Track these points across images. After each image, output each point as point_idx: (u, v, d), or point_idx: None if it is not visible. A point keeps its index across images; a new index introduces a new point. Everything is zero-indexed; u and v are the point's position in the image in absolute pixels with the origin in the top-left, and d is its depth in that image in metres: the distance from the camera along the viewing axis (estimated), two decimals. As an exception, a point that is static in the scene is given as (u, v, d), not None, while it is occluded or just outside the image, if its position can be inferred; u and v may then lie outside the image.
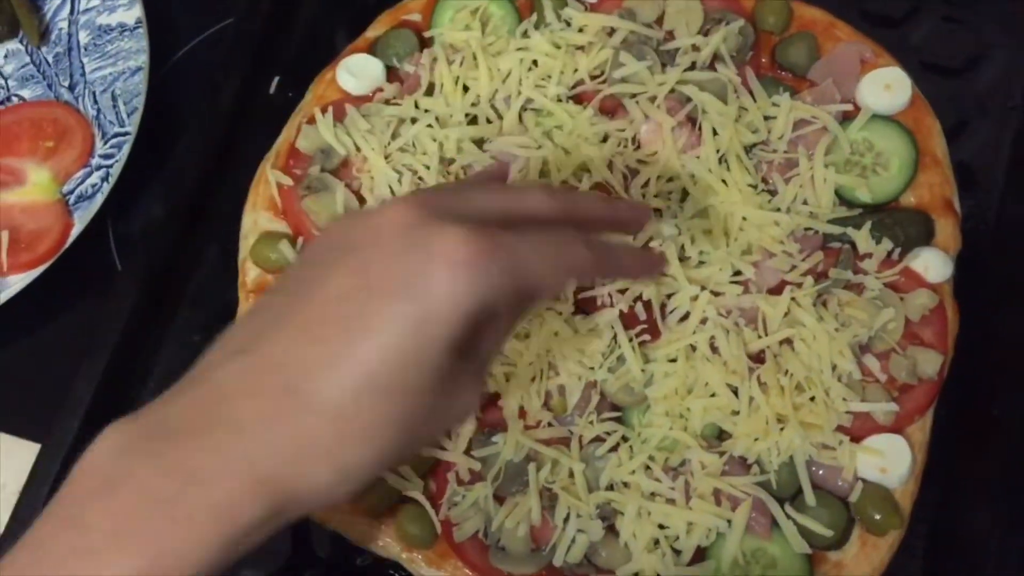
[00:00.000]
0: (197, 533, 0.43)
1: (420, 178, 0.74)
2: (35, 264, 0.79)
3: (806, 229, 0.72)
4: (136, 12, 0.88)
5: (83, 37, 0.90)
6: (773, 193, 0.73)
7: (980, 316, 0.72)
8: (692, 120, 0.74)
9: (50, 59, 0.90)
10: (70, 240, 0.80)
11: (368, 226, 0.46)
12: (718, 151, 0.73)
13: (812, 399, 0.67)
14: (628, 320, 0.69)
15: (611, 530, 0.65)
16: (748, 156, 0.74)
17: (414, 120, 0.76)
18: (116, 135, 0.84)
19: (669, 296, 0.70)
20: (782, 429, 0.66)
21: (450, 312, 0.43)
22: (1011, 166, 0.80)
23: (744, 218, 0.71)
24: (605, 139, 0.75)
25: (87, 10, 0.90)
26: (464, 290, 0.43)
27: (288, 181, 0.76)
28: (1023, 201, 0.78)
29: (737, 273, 0.70)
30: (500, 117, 0.76)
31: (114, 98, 0.86)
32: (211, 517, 0.43)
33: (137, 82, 0.85)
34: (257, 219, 0.76)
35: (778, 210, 0.72)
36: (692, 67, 0.76)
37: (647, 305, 0.69)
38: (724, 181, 0.72)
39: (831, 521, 0.64)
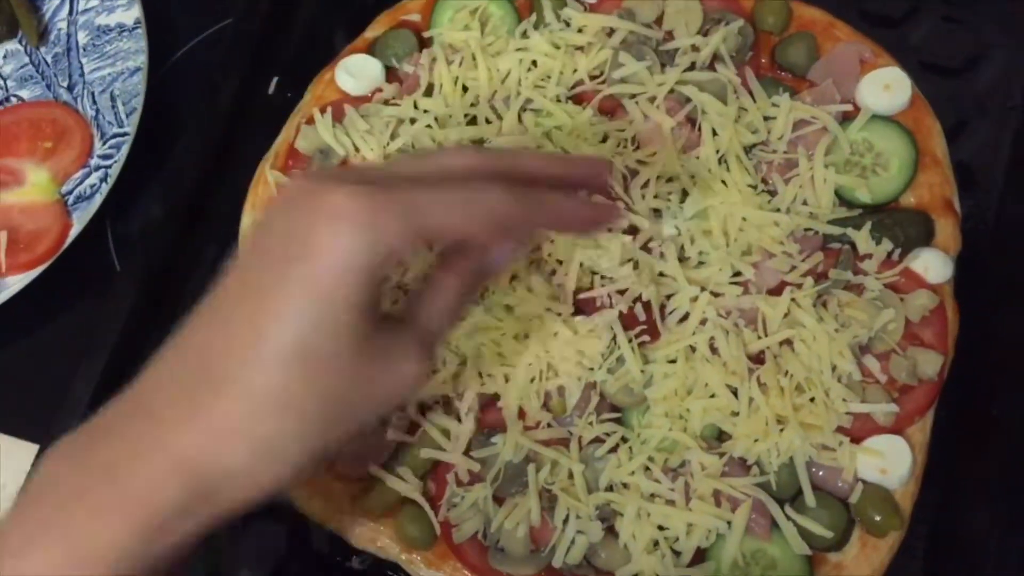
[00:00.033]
0: (112, 521, 0.43)
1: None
2: (34, 264, 0.79)
3: (806, 230, 0.71)
4: (135, 12, 0.88)
5: (82, 37, 0.90)
6: (773, 193, 0.73)
7: (979, 316, 0.72)
8: (692, 120, 0.74)
9: (49, 59, 0.90)
10: (69, 240, 0.80)
11: (270, 208, 0.46)
12: (718, 151, 0.73)
13: (812, 400, 0.67)
14: (627, 321, 0.68)
15: (611, 531, 0.65)
16: (748, 156, 0.74)
17: (413, 120, 0.76)
18: (115, 135, 0.84)
19: (668, 297, 0.70)
20: (782, 430, 0.66)
21: (343, 268, 0.43)
22: (1011, 166, 0.80)
23: (744, 218, 0.71)
24: (604, 139, 0.75)
25: (86, 10, 0.90)
26: (351, 243, 0.42)
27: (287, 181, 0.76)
28: (1023, 201, 0.78)
29: (737, 274, 0.70)
30: (499, 117, 0.76)
31: (113, 98, 0.86)
32: (126, 504, 0.43)
33: (136, 82, 0.85)
34: (256, 219, 0.76)
35: (778, 211, 0.72)
36: (691, 67, 0.76)
37: (647, 306, 0.69)
38: (724, 181, 0.72)
39: (831, 522, 0.64)
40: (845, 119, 0.75)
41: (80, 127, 0.86)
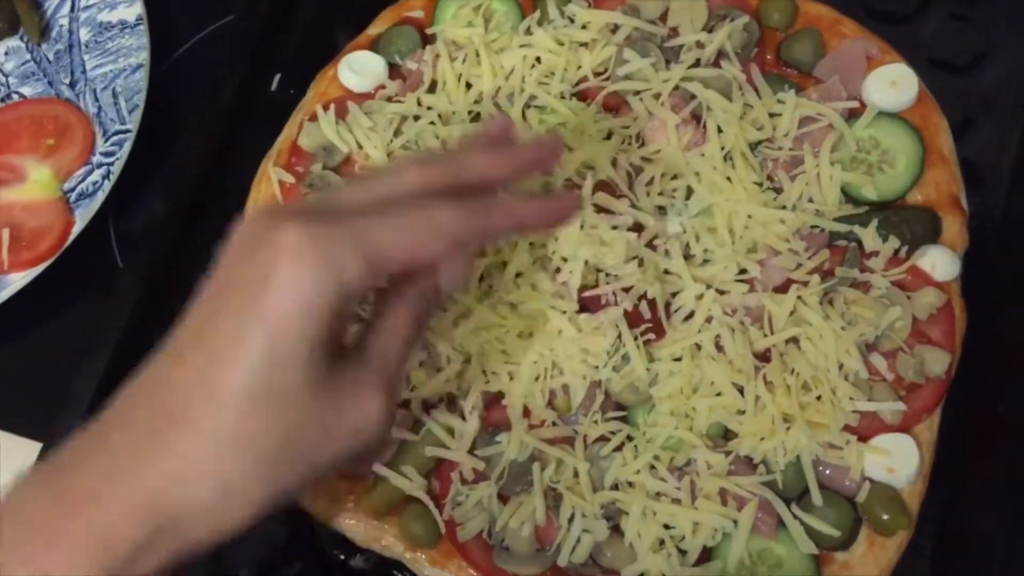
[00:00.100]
0: (74, 555, 0.42)
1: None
2: (36, 262, 0.79)
3: (812, 227, 0.71)
4: (137, 9, 0.88)
5: (84, 34, 0.90)
6: (778, 191, 0.73)
7: (987, 314, 0.71)
8: (697, 117, 0.74)
9: (51, 56, 0.90)
10: (71, 238, 0.80)
11: (227, 245, 0.46)
12: (723, 148, 0.72)
13: (819, 398, 0.66)
14: (633, 319, 0.68)
15: (616, 530, 0.65)
16: (753, 153, 0.73)
17: (416, 117, 0.75)
18: (117, 132, 0.84)
19: (674, 295, 0.69)
20: (788, 428, 0.65)
21: (295, 306, 0.43)
22: (1017, 164, 0.80)
23: (749, 216, 0.71)
24: (609, 136, 0.74)
25: (88, 7, 0.90)
26: (302, 280, 0.42)
27: (290, 179, 0.75)
28: (1030, 199, 0.78)
29: (742, 271, 0.70)
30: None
31: (115, 95, 0.85)
32: (88, 540, 0.43)
33: (138, 79, 0.85)
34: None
35: (784, 208, 0.71)
36: (696, 64, 0.76)
37: (652, 304, 0.68)
38: (729, 179, 0.72)
39: (838, 521, 0.64)
40: (851, 116, 0.74)
41: (82, 124, 0.85)
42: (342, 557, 0.70)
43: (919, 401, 0.67)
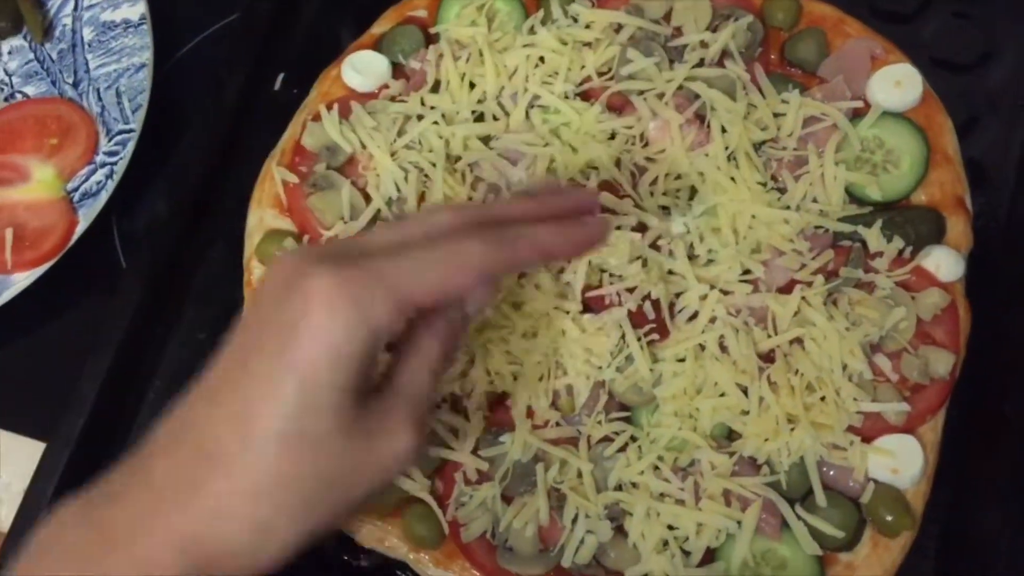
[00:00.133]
0: None
1: (426, 175, 0.74)
2: (40, 262, 0.79)
3: (816, 227, 0.71)
4: (140, 8, 0.88)
5: (87, 33, 0.89)
6: (783, 191, 0.72)
7: (991, 315, 0.71)
8: (700, 117, 0.74)
9: (54, 55, 0.90)
10: (75, 237, 0.80)
11: (260, 286, 0.47)
12: (727, 148, 0.72)
13: (823, 399, 0.66)
14: (636, 319, 0.68)
15: (620, 531, 0.65)
16: (757, 153, 0.73)
17: (420, 117, 0.75)
18: (120, 132, 0.84)
19: (678, 295, 0.69)
20: (792, 429, 0.65)
21: (328, 352, 0.43)
22: (1022, 163, 0.80)
23: (753, 216, 0.71)
24: (613, 136, 0.74)
25: (91, 6, 0.90)
26: (335, 326, 0.43)
27: (293, 179, 0.75)
28: (1034, 199, 0.78)
29: (746, 272, 0.70)
30: (507, 114, 0.76)
31: (118, 95, 0.85)
32: (128, 574, 0.43)
33: (141, 79, 0.85)
34: (262, 217, 0.76)
35: (788, 208, 0.71)
36: (700, 64, 0.75)
37: (655, 304, 0.68)
38: (733, 179, 0.72)
39: (842, 522, 0.64)
40: (855, 116, 0.74)
41: (85, 124, 0.85)
42: (345, 557, 0.70)
43: (923, 402, 0.67)
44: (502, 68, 0.76)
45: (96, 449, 0.71)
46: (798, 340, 0.68)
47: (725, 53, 0.76)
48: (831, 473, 0.66)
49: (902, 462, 0.65)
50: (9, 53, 0.91)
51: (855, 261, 0.70)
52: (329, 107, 0.76)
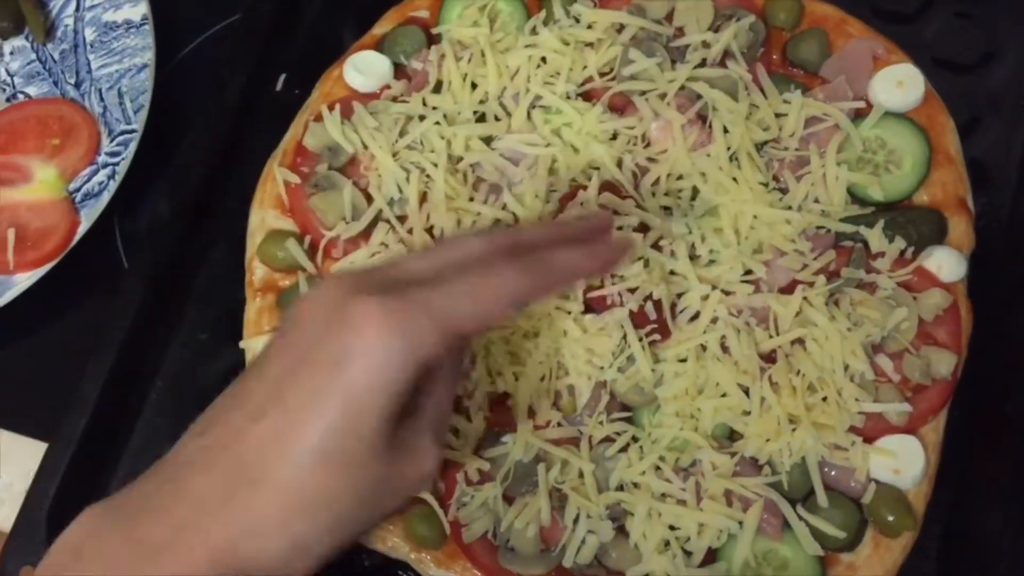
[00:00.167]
0: None
1: (428, 176, 0.74)
2: (42, 262, 0.79)
3: (818, 228, 0.71)
4: (142, 8, 0.88)
5: (89, 34, 0.89)
6: (784, 191, 0.72)
7: (993, 315, 0.71)
8: (702, 117, 0.74)
9: (56, 56, 0.90)
10: (77, 238, 0.80)
11: (301, 308, 0.48)
12: (729, 149, 0.72)
13: (824, 399, 0.66)
14: (638, 319, 0.68)
15: (621, 531, 0.65)
16: (759, 154, 0.73)
17: (422, 117, 0.75)
18: (122, 132, 0.84)
19: (679, 295, 0.69)
20: (794, 430, 0.65)
21: (378, 379, 0.45)
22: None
23: (755, 216, 0.71)
24: (614, 137, 0.74)
25: (93, 7, 0.90)
26: (384, 356, 0.44)
27: (295, 179, 0.75)
28: (1036, 199, 0.78)
29: (748, 272, 0.70)
30: (508, 114, 0.76)
31: (120, 95, 0.85)
32: None
33: (143, 79, 0.85)
34: (264, 217, 0.76)
35: (789, 208, 0.71)
36: (702, 64, 0.76)
37: (657, 304, 0.68)
38: (735, 179, 0.72)
39: (843, 522, 0.64)
40: (857, 116, 0.74)
41: (87, 124, 0.85)
42: (347, 557, 0.70)
43: (925, 402, 0.67)
44: (504, 68, 0.76)
45: (98, 449, 0.71)
46: (800, 340, 0.68)
47: (727, 53, 0.76)
48: (832, 473, 0.66)
49: (904, 462, 0.65)
50: (11, 53, 0.91)
51: (857, 261, 0.70)
52: (331, 107, 0.76)
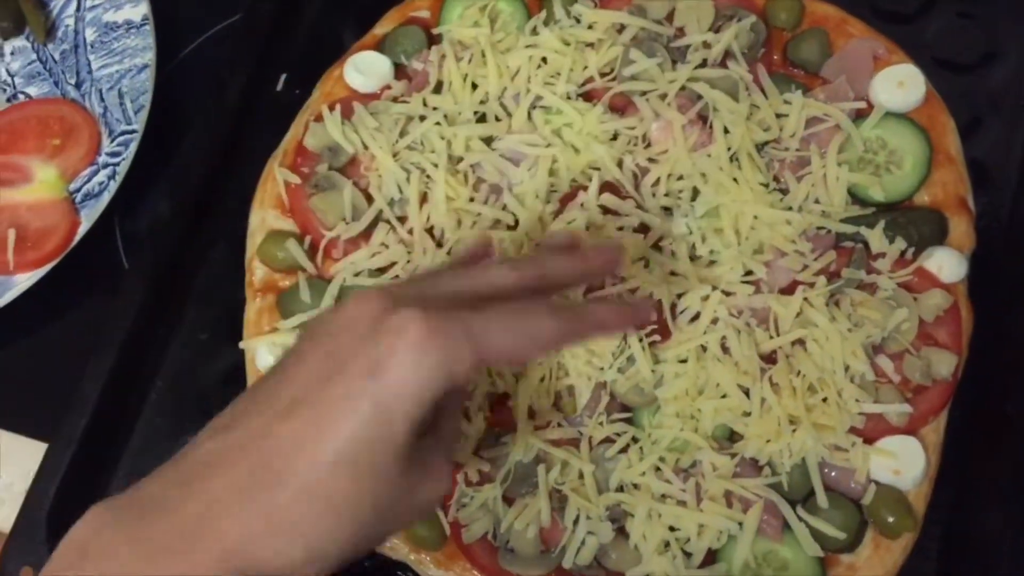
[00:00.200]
0: None
1: (428, 176, 0.74)
2: (42, 262, 0.79)
3: (818, 228, 0.71)
4: (142, 9, 0.88)
5: (89, 34, 0.89)
6: (785, 192, 0.72)
7: (993, 316, 0.71)
8: (703, 118, 0.74)
9: (56, 56, 0.90)
10: (77, 238, 0.80)
11: (338, 316, 0.48)
12: (729, 149, 0.72)
13: (825, 400, 0.66)
14: (638, 320, 0.68)
15: (621, 532, 0.65)
16: (760, 154, 0.73)
17: (422, 118, 0.75)
18: (123, 133, 0.84)
19: (680, 296, 0.69)
20: (794, 431, 0.65)
21: (411, 392, 0.45)
22: (1024, 164, 0.80)
23: (756, 217, 0.71)
24: (615, 137, 0.74)
25: (93, 7, 0.90)
26: (421, 371, 0.45)
27: (296, 179, 0.75)
28: (1037, 199, 0.78)
29: (748, 273, 0.70)
30: (509, 115, 0.76)
31: (121, 95, 0.85)
32: None
33: (144, 79, 0.85)
34: (264, 217, 0.76)
35: (790, 209, 0.71)
36: (703, 64, 0.75)
37: (658, 305, 0.68)
38: (735, 179, 0.72)
39: (844, 523, 0.64)
40: (858, 116, 0.74)
41: (88, 124, 0.85)
42: (347, 558, 0.70)
43: (925, 403, 0.67)
44: (504, 69, 0.76)
45: (98, 449, 0.71)
46: (800, 341, 0.68)
47: (728, 54, 0.76)
48: (833, 474, 0.66)
49: (904, 463, 0.65)
50: (12, 54, 0.91)
51: (857, 262, 0.70)
52: (331, 108, 0.76)
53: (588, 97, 0.76)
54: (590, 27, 0.77)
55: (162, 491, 0.46)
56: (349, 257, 0.72)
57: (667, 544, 0.64)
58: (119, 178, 0.81)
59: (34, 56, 0.90)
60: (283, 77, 0.84)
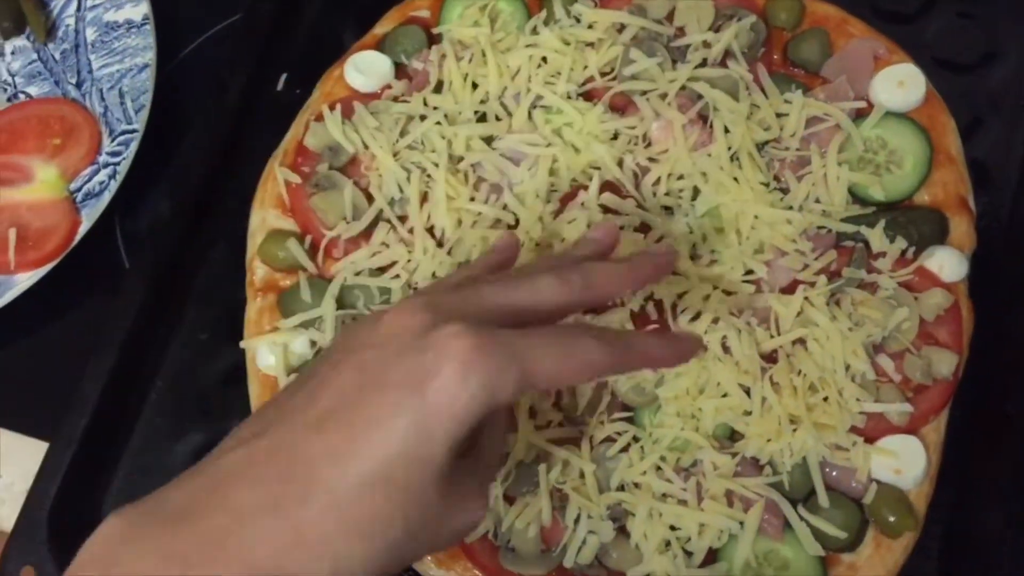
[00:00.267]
0: None
1: (429, 176, 0.74)
2: (43, 262, 0.79)
3: (819, 228, 0.71)
4: (143, 8, 0.88)
5: (90, 34, 0.89)
6: (785, 191, 0.72)
7: (994, 315, 0.71)
8: (703, 117, 0.74)
9: (57, 56, 0.90)
10: (78, 238, 0.79)
11: (377, 327, 0.46)
12: (730, 149, 0.72)
13: (825, 399, 0.66)
14: (639, 319, 0.68)
15: (622, 531, 0.65)
16: (760, 154, 0.73)
17: (423, 117, 0.75)
18: (123, 132, 0.84)
19: (680, 295, 0.69)
20: (795, 430, 0.65)
21: (453, 410, 0.43)
22: (1025, 164, 0.80)
23: (756, 216, 0.71)
24: (615, 137, 0.74)
25: (94, 6, 0.90)
26: (464, 391, 0.43)
27: (296, 179, 0.75)
28: (1037, 199, 0.78)
29: (749, 272, 0.70)
30: (509, 114, 0.76)
31: (121, 95, 0.85)
32: None
33: (144, 79, 0.85)
34: (265, 217, 0.76)
35: (790, 208, 0.71)
36: (703, 64, 0.75)
37: (658, 304, 0.68)
38: (736, 179, 0.72)
39: (844, 523, 0.64)
40: (859, 116, 0.74)
41: (88, 124, 0.85)
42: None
43: (926, 402, 0.67)
44: (505, 68, 0.76)
45: (98, 449, 0.71)
46: (801, 340, 0.68)
47: (728, 53, 0.76)
48: (834, 474, 0.66)
49: (905, 463, 0.65)
50: (12, 53, 0.91)
51: (858, 261, 0.70)
52: (332, 107, 0.76)
53: (588, 97, 0.76)
54: (590, 27, 0.77)
55: (188, 498, 0.45)
56: (350, 256, 0.72)
57: (668, 543, 0.64)
58: (119, 178, 0.81)
59: (35, 56, 0.90)
60: (283, 77, 0.84)
